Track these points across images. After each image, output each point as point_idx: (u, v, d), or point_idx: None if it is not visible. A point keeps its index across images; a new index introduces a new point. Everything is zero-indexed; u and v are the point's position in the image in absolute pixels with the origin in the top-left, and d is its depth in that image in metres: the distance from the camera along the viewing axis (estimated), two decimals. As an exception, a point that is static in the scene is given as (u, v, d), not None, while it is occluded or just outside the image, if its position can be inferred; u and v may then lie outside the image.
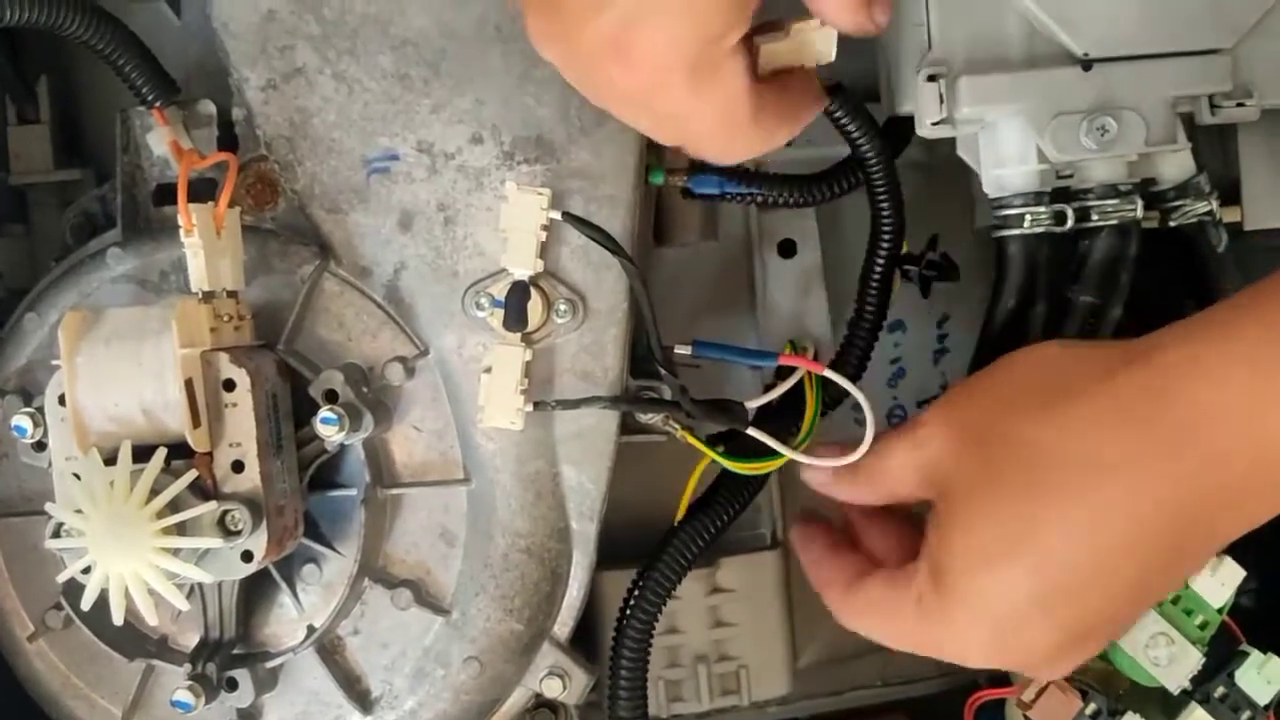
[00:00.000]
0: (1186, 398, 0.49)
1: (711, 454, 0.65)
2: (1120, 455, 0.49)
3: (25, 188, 0.81)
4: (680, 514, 0.68)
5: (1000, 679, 0.78)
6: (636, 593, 0.67)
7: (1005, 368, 0.56)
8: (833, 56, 0.55)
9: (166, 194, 0.67)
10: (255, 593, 0.66)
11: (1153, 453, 0.49)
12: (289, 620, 0.66)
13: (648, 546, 0.72)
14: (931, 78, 0.61)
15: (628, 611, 0.67)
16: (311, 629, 0.65)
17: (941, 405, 0.56)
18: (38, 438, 0.62)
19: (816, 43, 0.54)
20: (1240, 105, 0.62)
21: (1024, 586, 0.51)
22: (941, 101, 0.61)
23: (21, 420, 0.62)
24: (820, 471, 0.61)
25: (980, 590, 0.51)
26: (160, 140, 0.65)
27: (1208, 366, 0.49)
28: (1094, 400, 0.51)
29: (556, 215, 0.60)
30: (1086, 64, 0.60)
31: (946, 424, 0.55)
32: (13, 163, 0.80)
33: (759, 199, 0.65)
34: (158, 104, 0.65)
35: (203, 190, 0.64)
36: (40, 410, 0.61)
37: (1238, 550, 0.68)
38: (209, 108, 0.66)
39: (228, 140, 0.66)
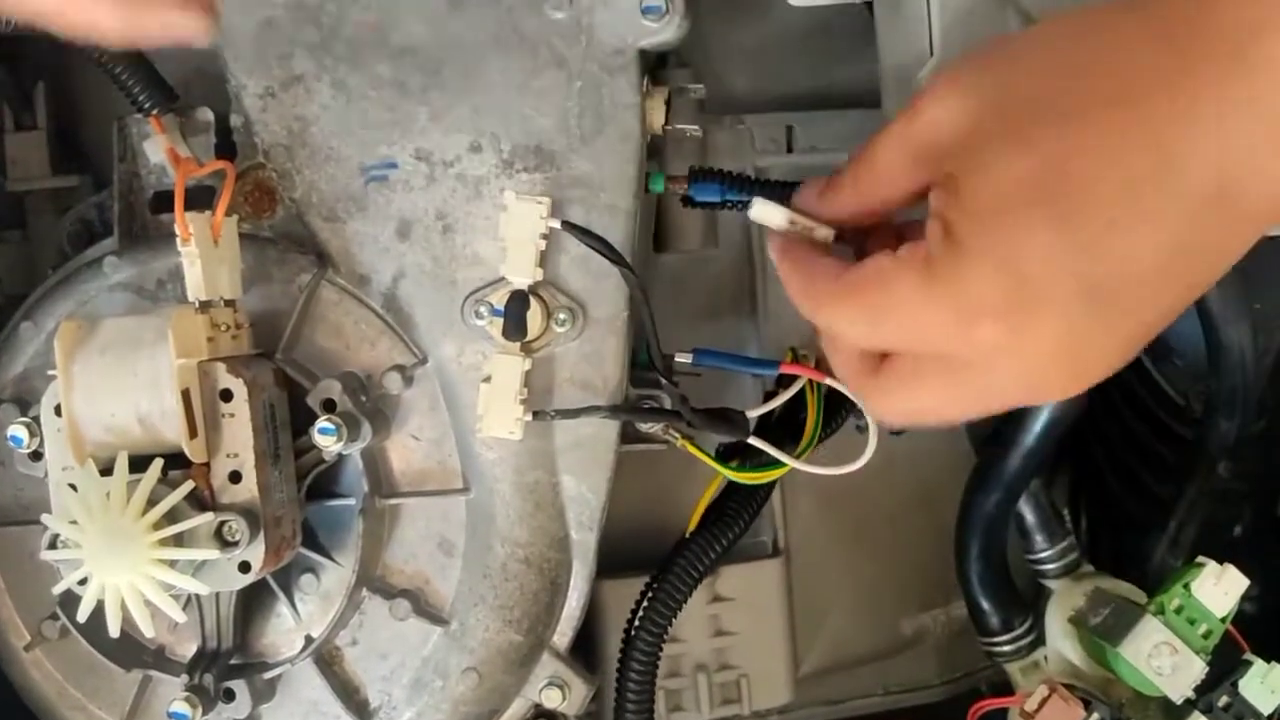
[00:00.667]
0: (1238, 14, 0.40)
1: (712, 463, 0.65)
2: (1156, 77, 0.41)
3: (23, 194, 0.81)
4: (692, 525, 0.68)
5: (1003, 688, 0.77)
6: (646, 604, 0.66)
7: (1010, 35, 0.47)
8: None
9: (164, 201, 0.67)
10: (253, 602, 0.66)
11: (1198, 71, 0.40)
12: (287, 630, 0.66)
13: (648, 555, 0.71)
14: (933, 84, 0.60)
15: (636, 624, 0.66)
16: (309, 639, 0.65)
17: (933, 76, 0.48)
18: (34, 447, 0.61)
19: None
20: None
21: (1044, 231, 0.42)
22: (943, 108, 0.60)
23: (17, 430, 0.61)
24: (808, 193, 0.54)
25: (1001, 237, 0.43)
26: (157, 148, 0.65)
27: None
28: (1126, 20, 0.43)
29: (556, 224, 0.60)
30: (1089, 71, 0.60)
31: (948, 81, 0.46)
32: (10, 169, 0.80)
33: (760, 207, 0.65)
34: (155, 111, 0.64)
35: (200, 198, 0.64)
36: (36, 420, 0.61)
37: (1241, 556, 0.68)
38: (206, 115, 0.66)
39: (226, 147, 0.66)
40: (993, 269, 0.43)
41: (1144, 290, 0.43)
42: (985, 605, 0.74)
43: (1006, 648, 0.75)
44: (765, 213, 0.54)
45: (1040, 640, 0.75)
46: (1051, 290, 0.42)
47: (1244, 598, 0.67)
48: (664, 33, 0.60)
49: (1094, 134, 0.42)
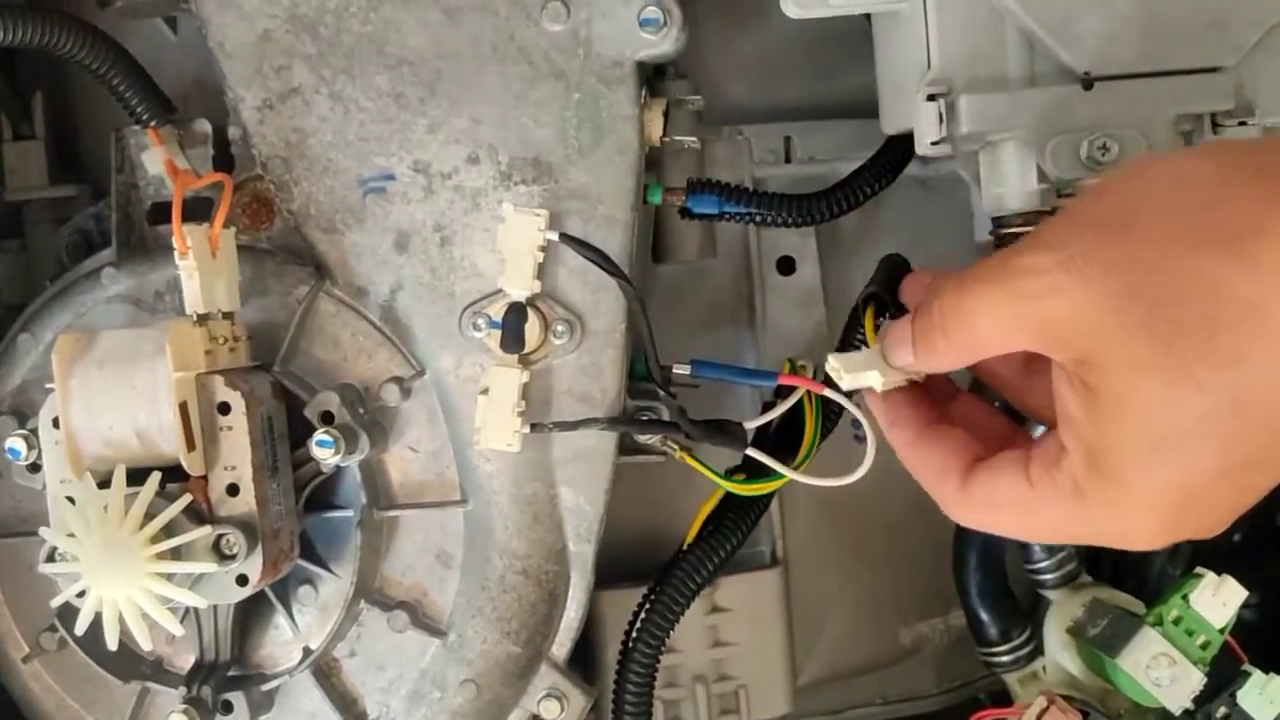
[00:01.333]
0: None
1: (710, 474, 0.65)
2: None
3: (21, 203, 0.81)
4: (691, 536, 0.67)
5: (1002, 698, 0.77)
6: (644, 615, 0.66)
7: (1139, 180, 0.43)
8: None
9: (162, 212, 0.67)
10: (251, 614, 0.65)
11: None
12: (285, 642, 0.66)
13: (646, 566, 0.71)
14: (931, 97, 0.60)
15: (634, 635, 0.66)
16: (308, 651, 0.65)
17: (1047, 237, 0.43)
18: (32, 460, 0.61)
19: None
20: (1242, 124, 0.61)
21: (1213, 467, 0.41)
22: (941, 121, 0.60)
23: (15, 442, 0.61)
24: (899, 349, 0.50)
25: (1160, 475, 0.41)
26: (155, 160, 0.65)
27: None
28: (1258, 206, 0.40)
29: (554, 236, 0.60)
30: (1087, 82, 0.60)
31: (1065, 264, 0.42)
32: (8, 178, 0.80)
33: (757, 219, 0.65)
34: (153, 123, 0.64)
35: (198, 208, 0.64)
36: (34, 432, 0.60)
37: (1240, 564, 0.68)
38: (204, 126, 0.66)
39: (225, 157, 0.66)
40: (1152, 503, 0.42)
41: None
42: (984, 616, 0.74)
43: (1005, 658, 0.75)
44: (860, 380, 0.51)
45: (1039, 651, 0.75)
46: (1214, 506, 0.42)
47: (1243, 605, 0.67)
48: (662, 45, 0.60)
49: (1268, 375, 0.40)
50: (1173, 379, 0.40)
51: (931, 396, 0.52)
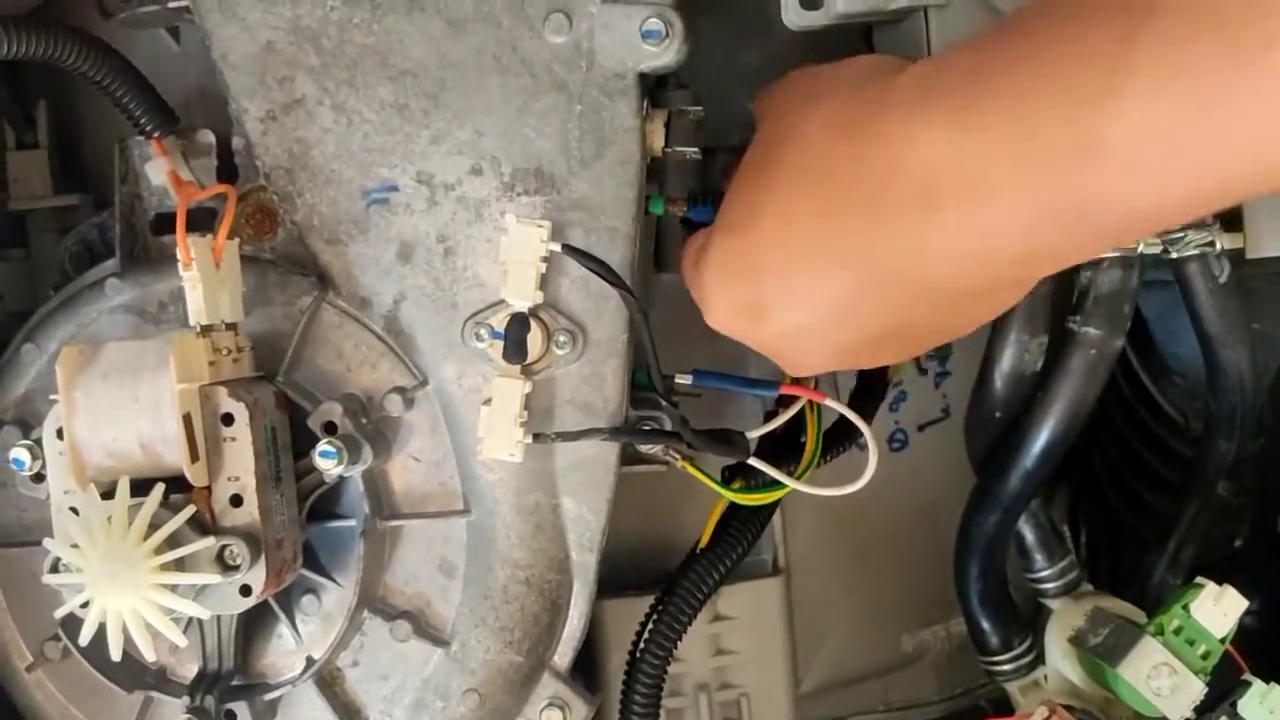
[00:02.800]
0: (905, 155, 0.47)
1: (712, 484, 0.65)
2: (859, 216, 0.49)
3: (25, 212, 0.81)
4: (704, 540, 0.68)
5: (1004, 704, 0.78)
6: (652, 626, 0.66)
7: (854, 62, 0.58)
8: None
9: (165, 223, 0.67)
10: (254, 623, 0.66)
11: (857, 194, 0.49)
12: (288, 651, 0.66)
13: (648, 575, 0.71)
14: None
15: (642, 645, 0.66)
16: (310, 660, 0.65)
17: (811, 69, 0.59)
18: (36, 470, 0.61)
19: None
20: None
21: (741, 258, 0.54)
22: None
23: (20, 452, 0.61)
24: None
25: (718, 250, 0.55)
26: (159, 170, 0.65)
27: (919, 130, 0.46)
28: (833, 117, 0.51)
29: (556, 247, 0.60)
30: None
31: (788, 82, 0.59)
32: (12, 187, 0.80)
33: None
34: (156, 134, 0.64)
35: (202, 219, 0.64)
36: (39, 442, 0.61)
37: (1240, 570, 0.68)
38: (208, 137, 0.66)
39: (229, 168, 0.66)
40: (714, 271, 0.55)
41: (810, 355, 0.56)
42: (985, 625, 0.74)
43: (1006, 667, 0.75)
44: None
45: (1040, 659, 0.75)
46: (744, 307, 0.55)
47: (1244, 614, 0.67)
48: (664, 56, 0.60)
49: (778, 250, 0.52)
50: (745, 177, 0.56)
51: None
